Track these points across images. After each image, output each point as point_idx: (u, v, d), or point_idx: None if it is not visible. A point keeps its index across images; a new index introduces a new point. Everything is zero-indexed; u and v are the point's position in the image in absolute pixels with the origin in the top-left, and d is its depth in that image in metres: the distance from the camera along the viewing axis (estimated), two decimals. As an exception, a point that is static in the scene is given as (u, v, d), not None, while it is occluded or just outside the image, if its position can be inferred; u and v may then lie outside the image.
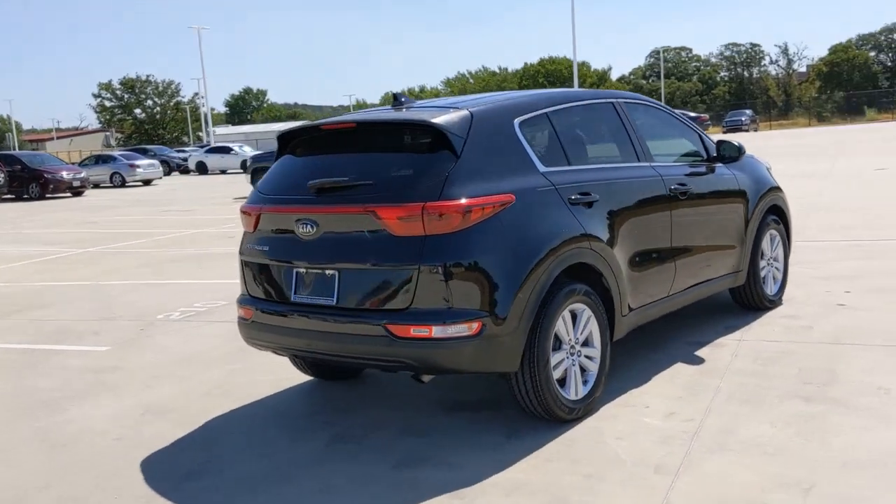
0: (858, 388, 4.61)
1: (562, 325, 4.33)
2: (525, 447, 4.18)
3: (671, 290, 5.27)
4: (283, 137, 4.85)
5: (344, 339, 4.21)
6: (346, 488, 3.89)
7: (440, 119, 4.23)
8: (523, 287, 4.08)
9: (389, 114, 4.68)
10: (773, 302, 6.46)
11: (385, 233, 4.07)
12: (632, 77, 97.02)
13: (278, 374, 5.70)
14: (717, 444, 4.03)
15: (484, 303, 4.00)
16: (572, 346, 4.43)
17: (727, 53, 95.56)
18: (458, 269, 3.98)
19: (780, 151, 27.90)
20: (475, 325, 3.96)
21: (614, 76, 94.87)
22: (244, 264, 4.79)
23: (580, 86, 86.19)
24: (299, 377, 5.57)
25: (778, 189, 6.56)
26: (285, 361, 5.50)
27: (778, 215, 6.55)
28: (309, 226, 4.30)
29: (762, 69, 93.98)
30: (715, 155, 5.93)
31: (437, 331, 3.96)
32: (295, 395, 5.36)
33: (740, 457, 3.87)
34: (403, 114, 4.57)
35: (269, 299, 4.61)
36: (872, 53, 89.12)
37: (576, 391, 4.45)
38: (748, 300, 6.33)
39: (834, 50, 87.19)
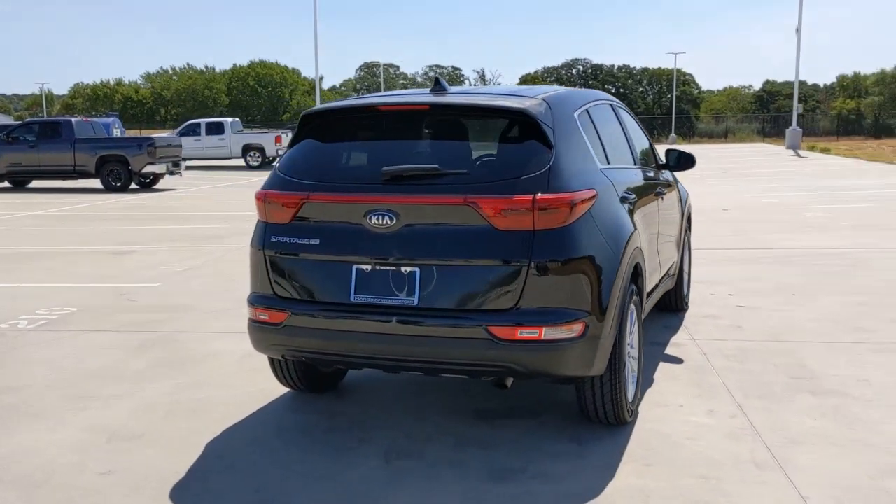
0: (843, 381, 5.01)
1: (627, 326, 4.26)
2: (606, 452, 4.04)
3: (655, 288, 5.40)
4: (321, 116, 4.29)
5: (429, 344, 3.79)
6: (464, 508, 3.51)
7: (529, 106, 3.98)
8: (615, 285, 3.96)
9: (467, 97, 4.31)
10: (686, 304, 6.85)
11: (485, 226, 3.73)
12: (342, 89, 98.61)
13: (236, 386, 5.06)
14: (785, 438, 4.17)
15: (587, 302, 3.81)
16: (630, 347, 4.37)
17: (430, 74, 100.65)
18: (567, 266, 3.75)
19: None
20: (580, 326, 3.76)
21: (325, 86, 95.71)
22: (269, 260, 4.14)
23: (291, 94, 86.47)
24: (263, 389, 4.96)
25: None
26: (235, 372, 5.11)
27: (688, 221, 6.96)
28: (386, 217, 3.82)
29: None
30: (663, 161, 6.15)
31: (546, 332, 3.70)
32: (284, 408, 4.74)
33: (819, 448, 4.04)
34: (487, 99, 4.21)
35: (314, 300, 4.03)
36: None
37: (632, 392, 4.40)
38: (673, 301, 6.64)
39: (524, 79, 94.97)
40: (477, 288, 3.76)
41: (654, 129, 73.47)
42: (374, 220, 3.84)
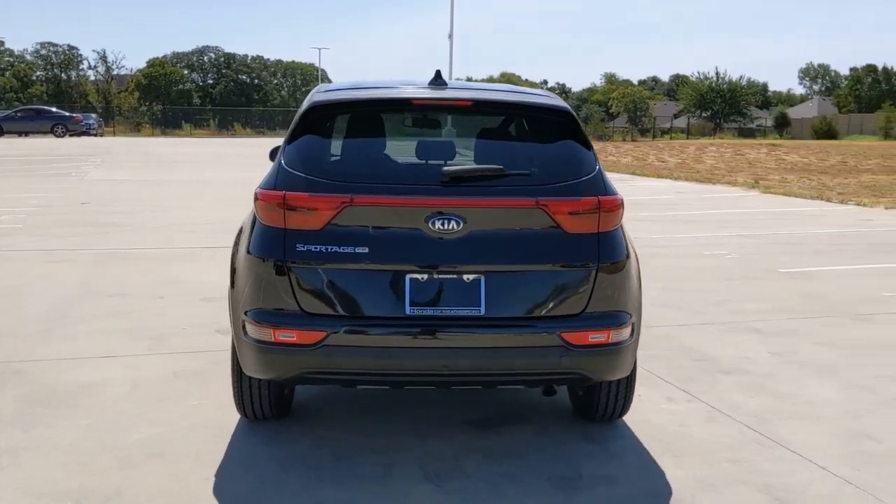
0: (734, 360, 5.62)
1: None
2: (631, 449, 4.15)
3: None
4: (339, 108, 3.82)
5: (500, 355, 3.60)
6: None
7: (566, 106, 3.93)
8: (640, 285, 4.08)
9: (504, 94, 4.06)
10: None
11: (554, 229, 3.64)
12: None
13: (163, 422, 4.35)
14: (750, 416, 4.59)
15: (632, 303, 3.88)
16: None
17: (43, 52, 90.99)
18: (621, 267, 3.79)
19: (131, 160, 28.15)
20: (630, 328, 3.83)
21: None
22: (293, 272, 3.61)
23: None
24: (204, 421, 4.34)
25: None
26: (144, 405, 4.53)
27: None
28: (452, 221, 3.54)
29: (81, 73, 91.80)
30: None
31: (613, 335, 3.72)
32: (261, 441, 4.13)
33: (787, 421, 4.52)
34: (522, 96, 4.02)
35: (361, 315, 3.60)
36: (186, 71, 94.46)
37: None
38: None
39: (152, 63, 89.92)
40: (547, 293, 3.64)
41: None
42: (437, 225, 3.54)
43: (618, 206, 3.75)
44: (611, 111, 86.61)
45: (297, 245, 3.59)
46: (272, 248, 3.64)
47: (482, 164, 3.70)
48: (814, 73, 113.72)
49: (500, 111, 4.00)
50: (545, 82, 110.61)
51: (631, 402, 4.31)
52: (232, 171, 22.13)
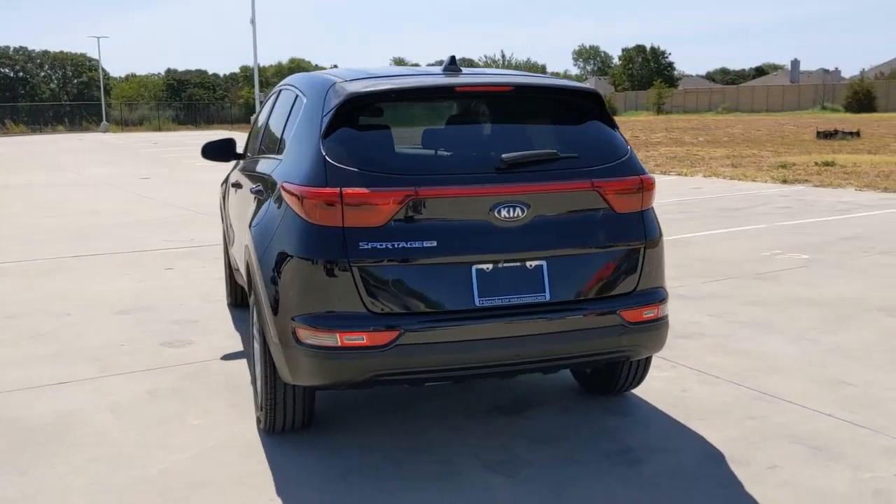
0: (684, 325, 5.97)
1: None
2: (658, 417, 4.33)
3: None
4: (378, 98, 3.67)
5: (565, 339, 3.63)
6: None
7: (591, 88, 4.00)
8: None
9: (543, 79, 4.02)
10: None
11: (607, 210, 3.72)
12: None
13: (176, 448, 4.02)
14: (734, 375, 4.92)
15: (664, 278, 4.04)
16: None
17: None
18: (659, 244, 3.93)
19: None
20: (666, 303, 3.99)
21: None
22: (358, 272, 3.44)
23: None
24: (224, 441, 4.06)
25: None
26: (146, 432, 4.13)
27: None
28: (518, 209, 3.52)
29: None
30: None
31: (660, 310, 3.86)
32: (301, 454, 3.92)
33: (767, 377, 4.88)
34: (550, 80, 4.01)
35: (432, 311, 3.49)
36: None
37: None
38: None
39: None
40: (604, 274, 3.71)
41: (67, 116, 69.04)
42: (503, 213, 3.50)
43: (653, 184, 3.87)
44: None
45: (360, 243, 3.43)
46: (329, 248, 3.45)
47: (528, 149, 3.68)
48: (586, 55, 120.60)
49: (538, 95, 3.99)
50: (335, 66, 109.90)
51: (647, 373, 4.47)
52: (45, 175, 20.41)
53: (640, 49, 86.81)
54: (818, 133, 28.40)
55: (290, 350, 3.56)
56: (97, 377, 4.98)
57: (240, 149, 5.71)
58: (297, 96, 4.33)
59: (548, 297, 3.59)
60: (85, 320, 6.30)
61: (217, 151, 5.77)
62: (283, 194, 3.70)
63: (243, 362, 5.24)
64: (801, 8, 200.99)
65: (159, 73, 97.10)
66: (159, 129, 59.60)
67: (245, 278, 4.40)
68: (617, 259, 3.72)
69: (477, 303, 3.51)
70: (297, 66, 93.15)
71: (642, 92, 75.87)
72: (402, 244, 3.43)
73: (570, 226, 3.64)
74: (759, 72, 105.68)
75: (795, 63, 76.80)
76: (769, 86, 69.37)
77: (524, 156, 3.60)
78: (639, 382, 4.45)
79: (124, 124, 69.48)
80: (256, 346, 4.27)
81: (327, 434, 4.11)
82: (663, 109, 65.49)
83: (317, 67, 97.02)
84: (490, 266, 3.52)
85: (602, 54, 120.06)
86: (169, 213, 12.51)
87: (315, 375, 3.54)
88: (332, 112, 3.63)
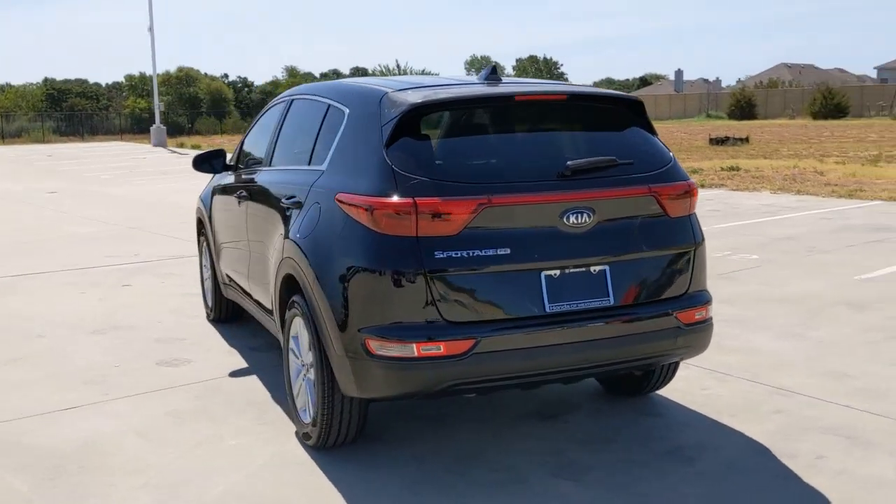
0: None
1: None
2: (696, 416, 4.45)
3: None
4: (440, 107, 3.68)
5: (630, 342, 3.71)
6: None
7: (635, 96, 4.10)
8: None
9: (590, 88, 4.07)
10: None
11: (661, 215, 3.82)
12: None
13: (230, 469, 3.90)
14: (744, 370, 5.12)
15: (706, 281, 4.15)
16: None
17: None
18: (703, 247, 4.05)
19: None
20: (711, 304, 4.10)
21: None
22: (433, 281, 3.42)
23: None
24: (269, 463, 3.95)
25: None
26: (186, 455, 4.01)
27: None
28: (585, 215, 3.58)
29: None
30: None
31: (708, 311, 3.98)
32: (369, 469, 3.86)
33: (775, 370, 5.10)
34: (600, 90, 4.07)
35: (506, 318, 3.51)
36: None
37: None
38: None
39: None
40: (661, 277, 3.81)
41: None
42: (571, 219, 3.55)
43: (697, 189, 3.99)
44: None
45: (436, 253, 3.41)
46: (403, 258, 3.42)
47: (583, 155, 3.73)
48: (478, 64, 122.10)
49: (587, 104, 4.05)
50: (226, 76, 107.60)
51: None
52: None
53: (533, 59, 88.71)
54: (710, 139, 29.65)
55: (360, 362, 3.50)
56: (105, 400, 4.76)
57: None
58: (329, 107, 4.27)
59: (612, 302, 3.65)
60: (62, 341, 5.99)
61: (208, 164, 5.65)
62: (342, 206, 3.64)
63: (255, 379, 5.10)
64: (681, 20, 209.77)
65: (37, 83, 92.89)
66: (43, 140, 56.87)
67: (275, 293, 4.29)
68: (671, 262, 3.82)
69: (547, 309, 3.54)
70: (185, 74, 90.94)
71: (536, 101, 77.13)
72: (476, 252, 3.43)
73: (630, 230, 3.72)
74: (644, 81, 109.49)
75: (679, 73, 80.00)
76: (656, 94, 71.97)
77: (588, 162, 3.65)
78: (666, 383, 4.56)
79: (3, 136, 65.95)
80: (293, 360, 4.18)
81: (376, 448, 4.05)
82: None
83: (207, 77, 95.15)
84: (558, 272, 3.56)
85: (494, 64, 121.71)
86: (94, 229, 11.99)
87: (389, 387, 3.49)
88: (394, 122, 3.60)
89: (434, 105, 3.66)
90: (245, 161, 5.65)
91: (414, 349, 3.40)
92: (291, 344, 4.19)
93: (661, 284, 3.80)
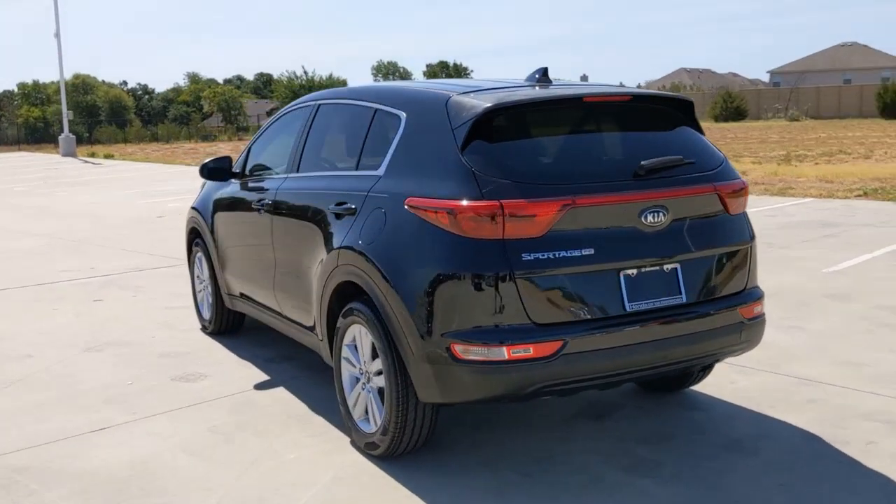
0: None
1: None
2: (739, 409, 4.57)
3: None
4: (515, 109, 3.67)
5: (702, 339, 3.78)
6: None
7: (688, 97, 4.18)
8: None
9: (647, 91, 4.10)
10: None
11: (722, 213, 3.90)
12: None
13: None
14: (765, 364, 5.29)
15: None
16: None
17: None
18: (755, 244, 4.16)
19: None
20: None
21: None
22: (521, 283, 3.42)
23: None
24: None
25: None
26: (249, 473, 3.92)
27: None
28: (660, 214, 3.63)
29: None
30: None
31: (762, 306, 4.09)
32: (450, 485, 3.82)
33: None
34: (661, 92, 4.14)
35: (591, 318, 3.53)
36: None
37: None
38: None
39: None
40: (725, 274, 3.89)
41: None
42: (649, 218, 3.60)
43: (747, 188, 4.10)
44: (203, 111, 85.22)
45: (523, 254, 3.40)
46: (490, 261, 3.40)
47: (651, 155, 3.77)
48: (385, 70, 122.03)
49: (647, 105, 4.10)
50: (125, 83, 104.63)
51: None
52: None
53: (443, 65, 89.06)
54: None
55: (444, 368, 3.47)
56: (136, 419, 4.56)
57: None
58: (377, 111, 4.21)
59: (684, 300, 3.72)
60: (56, 361, 5.71)
61: (217, 171, 5.51)
62: (415, 211, 3.59)
63: (283, 391, 4.98)
64: (585, 26, 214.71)
65: None
66: None
67: (321, 303, 4.20)
68: (733, 259, 3.91)
69: (627, 308, 3.57)
70: (82, 82, 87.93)
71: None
72: (562, 253, 3.44)
73: (698, 228, 3.79)
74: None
75: (584, 78, 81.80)
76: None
77: (660, 161, 3.71)
78: (702, 379, 4.67)
79: None
80: (348, 369, 4.13)
81: (442, 456, 4.00)
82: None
83: (105, 84, 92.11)
84: (635, 271, 3.61)
85: (401, 69, 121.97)
86: (35, 243, 11.46)
87: (476, 391, 3.47)
88: (468, 125, 3.58)
89: (508, 107, 3.66)
90: (254, 169, 5.52)
91: (504, 352, 3.38)
92: (346, 353, 4.11)
93: (725, 281, 3.88)
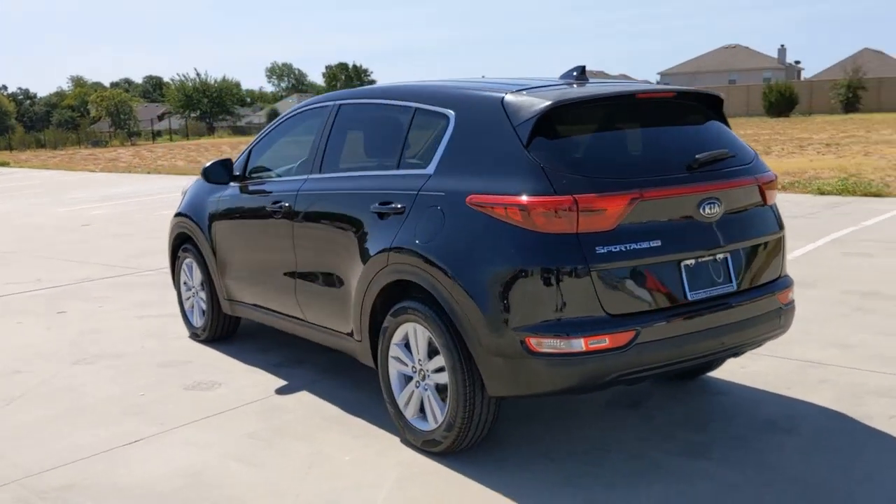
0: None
1: None
2: (763, 393, 4.76)
3: None
4: (576, 107, 3.76)
5: (748, 325, 3.94)
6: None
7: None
8: None
9: (686, 87, 4.20)
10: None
11: (760, 204, 4.08)
12: None
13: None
14: (781, 340, 5.52)
15: None
16: None
17: None
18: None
19: None
20: None
21: None
22: (596, 276, 3.50)
23: None
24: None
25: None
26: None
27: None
28: (715, 205, 3.78)
29: None
30: None
31: (794, 292, 4.30)
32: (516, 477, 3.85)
33: (810, 342, 5.55)
34: (697, 88, 4.26)
35: (658, 308, 3.64)
36: None
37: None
38: None
39: None
40: (764, 262, 4.07)
41: None
42: (706, 209, 3.74)
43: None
44: (91, 115, 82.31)
45: (596, 248, 3.49)
46: (566, 255, 3.47)
47: (698, 149, 3.91)
48: (280, 71, 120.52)
49: (687, 101, 4.22)
50: (4, 87, 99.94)
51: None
52: None
53: (343, 66, 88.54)
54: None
55: (518, 361, 3.52)
56: (165, 430, 4.43)
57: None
58: (416, 110, 4.22)
59: (735, 288, 3.87)
60: (52, 375, 5.46)
61: (219, 173, 5.41)
62: (479, 208, 3.62)
63: (307, 394, 4.91)
64: (484, 29, 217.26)
65: None
66: None
67: (363, 305, 4.19)
68: (770, 248, 4.10)
69: (689, 297, 3.70)
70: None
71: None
72: (631, 245, 3.54)
73: (743, 219, 3.96)
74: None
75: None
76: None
77: (711, 155, 3.85)
78: (720, 365, 4.86)
79: None
80: (398, 368, 4.13)
81: (499, 451, 4.04)
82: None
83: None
84: (693, 261, 3.74)
85: (296, 71, 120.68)
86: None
87: (552, 383, 3.53)
88: (531, 122, 3.63)
89: (570, 104, 3.73)
90: (256, 171, 5.43)
91: (582, 343, 3.45)
92: (395, 352, 4.11)
93: (765, 269, 4.06)
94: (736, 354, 4.16)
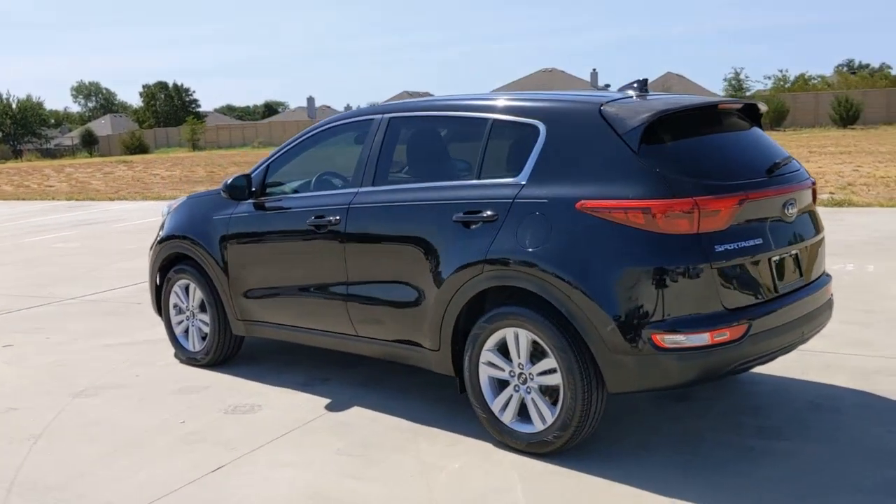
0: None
1: None
2: (785, 380, 5.16)
3: None
4: (679, 115, 4.05)
5: (816, 315, 4.33)
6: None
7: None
8: None
9: (740, 99, 4.51)
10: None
11: (811, 206, 4.51)
12: None
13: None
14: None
15: None
16: None
17: None
18: None
19: None
20: None
21: None
22: (714, 273, 3.76)
23: None
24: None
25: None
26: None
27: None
28: (793, 206, 4.16)
29: None
30: None
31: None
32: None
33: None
34: (751, 99, 4.60)
35: (763, 301, 3.95)
36: None
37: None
38: None
39: None
40: (818, 259, 4.48)
41: None
42: (789, 210, 4.10)
43: None
44: None
45: (716, 246, 3.75)
46: (690, 254, 3.71)
47: (759, 154, 4.27)
48: (87, 90, 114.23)
49: (743, 110, 4.55)
50: None
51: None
52: None
53: (162, 85, 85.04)
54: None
55: (645, 357, 3.71)
56: (243, 454, 4.26)
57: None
58: (494, 122, 4.32)
59: (804, 282, 4.25)
60: (61, 409, 5.07)
61: (240, 189, 5.28)
62: (592, 213, 3.79)
63: (363, 410, 4.85)
64: (303, 48, 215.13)
65: None
66: None
67: (447, 314, 4.27)
68: (820, 245, 4.52)
69: (780, 290, 4.04)
70: None
71: (173, 129, 74.50)
72: (742, 244, 3.83)
73: (805, 219, 4.36)
74: (269, 108, 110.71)
75: (311, 100, 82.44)
76: (297, 121, 72.87)
77: (784, 160, 4.23)
78: None
79: None
80: (492, 373, 4.20)
81: (598, 445, 4.19)
82: (198, 146, 65.19)
83: None
84: (779, 257, 4.08)
85: (105, 91, 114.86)
86: None
87: (679, 376, 3.75)
88: (639, 130, 3.84)
89: (672, 114, 3.97)
90: (274, 186, 5.33)
91: (707, 337, 3.69)
92: (488, 357, 4.18)
93: (819, 265, 4.49)
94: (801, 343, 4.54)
